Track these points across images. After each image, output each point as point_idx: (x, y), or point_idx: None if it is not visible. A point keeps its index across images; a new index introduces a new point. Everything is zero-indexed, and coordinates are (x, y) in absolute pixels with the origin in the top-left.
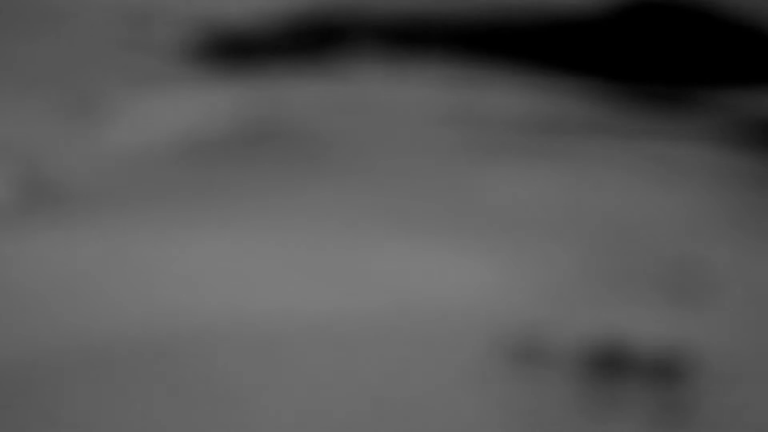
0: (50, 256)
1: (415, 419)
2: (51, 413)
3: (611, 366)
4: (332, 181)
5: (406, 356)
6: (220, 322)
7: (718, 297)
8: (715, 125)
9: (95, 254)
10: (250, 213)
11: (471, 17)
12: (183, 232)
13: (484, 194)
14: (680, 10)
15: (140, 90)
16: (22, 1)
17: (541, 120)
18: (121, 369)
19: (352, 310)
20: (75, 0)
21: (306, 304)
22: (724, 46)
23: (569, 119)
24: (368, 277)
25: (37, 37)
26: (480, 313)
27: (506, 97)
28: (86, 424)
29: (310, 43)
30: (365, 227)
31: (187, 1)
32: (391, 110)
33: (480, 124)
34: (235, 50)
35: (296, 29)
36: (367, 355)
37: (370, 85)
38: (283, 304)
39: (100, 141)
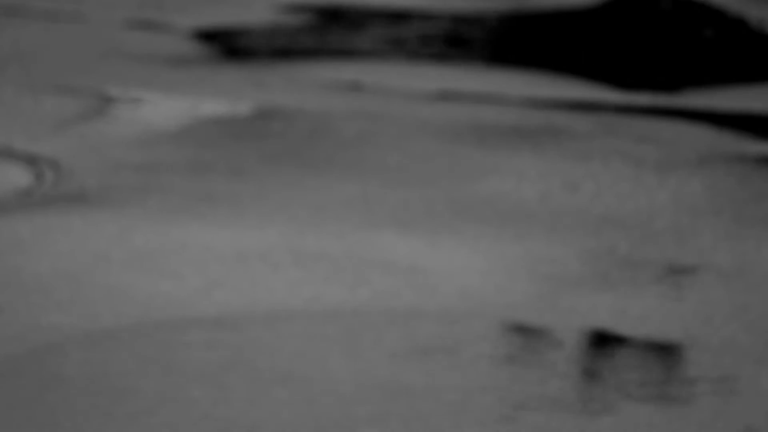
0: (64, 239)
1: (425, 392)
2: (57, 392)
3: (611, 344)
4: (333, 168)
5: (413, 338)
6: (225, 307)
7: (710, 281)
8: (705, 116)
9: (106, 236)
10: (254, 197)
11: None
12: (189, 218)
13: (484, 185)
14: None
15: (148, 85)
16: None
17: (537, 113)
18: (127, 351)
19: (353, 299)
20: (85, 7)
21: (312, 291)
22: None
23: (563, 111)
24: (369, 265)
25: (56, 40)
26: (483, 298)
27: (502, 89)
28: (93, 403)
29: (312, 36)
30: (366, 216)
31: (186, 14)
32: (391, 95)
33: (477, 115)
34: (239, 50)
35: (300, 27)
36: (374, 339)
37: (371, 74)
38: (291, 289)
39: (112, 130)
